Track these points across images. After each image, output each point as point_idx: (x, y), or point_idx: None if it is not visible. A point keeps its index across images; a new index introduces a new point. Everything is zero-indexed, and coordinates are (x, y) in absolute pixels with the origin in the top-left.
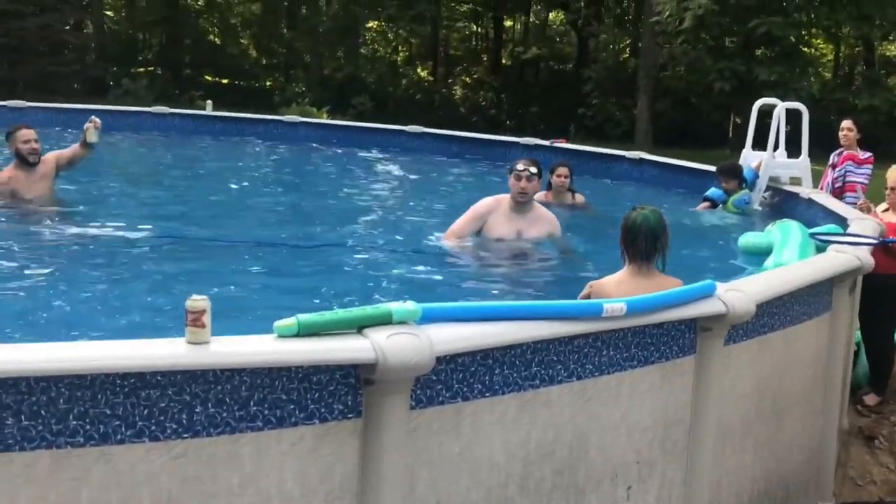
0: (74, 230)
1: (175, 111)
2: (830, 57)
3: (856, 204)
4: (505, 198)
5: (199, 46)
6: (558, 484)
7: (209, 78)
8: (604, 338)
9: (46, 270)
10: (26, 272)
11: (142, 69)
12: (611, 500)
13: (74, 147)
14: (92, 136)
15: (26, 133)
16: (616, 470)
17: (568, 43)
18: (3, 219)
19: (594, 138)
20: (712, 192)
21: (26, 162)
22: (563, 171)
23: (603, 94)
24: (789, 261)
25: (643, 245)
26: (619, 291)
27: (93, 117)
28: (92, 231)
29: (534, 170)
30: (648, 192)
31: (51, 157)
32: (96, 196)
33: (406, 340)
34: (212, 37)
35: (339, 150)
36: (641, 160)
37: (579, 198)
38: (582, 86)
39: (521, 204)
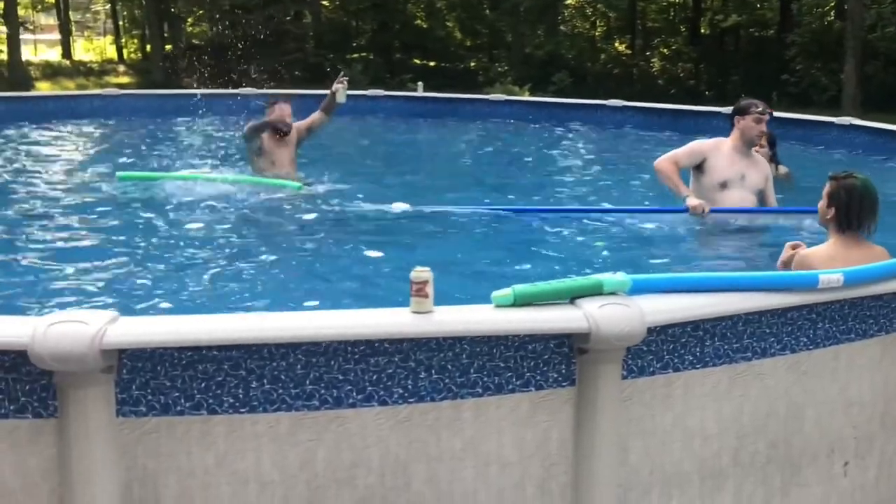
0: (308, 204)
1: (389, 94)
2: None
3: None
4: (724, 141)
5: (408, 31)
6: (772, 457)
7: (418, 61)
8: (819, 310)
9: (285, 243)
10: (261, 246)
11: (356, 55)
12: (827, 476)
13: (313, 116)
14: (342, 97)
15: (283, 107)
16: (833, 445)
17: (769, 8)
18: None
19: (799, 105)
20: None
21: (278, 131)
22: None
23: (807, 60)
24: None
25: (863, 214)
26: (831, 263)
27: (342, 75)
28: (325, 206)
29: (771, 111)
30: (860, 161)
31: (294, 127)
32: (329, 174)
33: (618, 311)
34: (419, 21)
35: (542, 126)
36: (851, 126)
37: (783, 169)
38: (785, 51)
39: (751, 146)
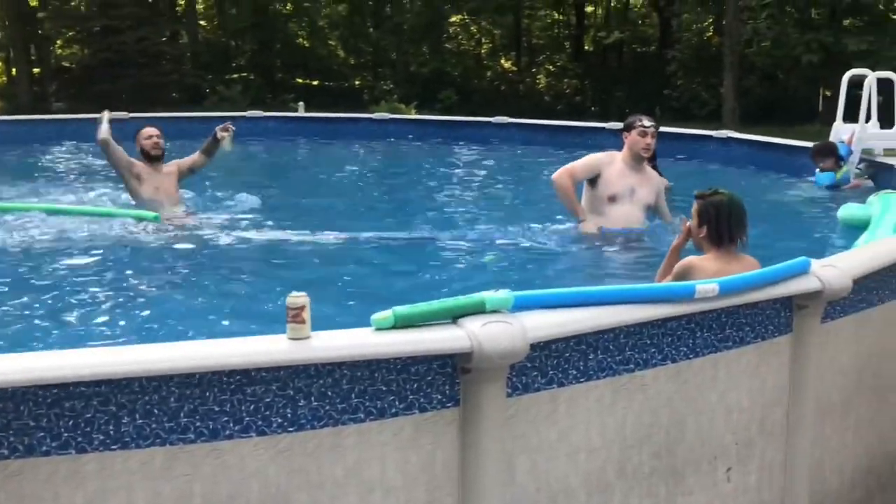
0: (185, 232)
1: (270, 114)
2: None
3: None
4: (617, 155)
5: (289, 50)
6: (656, 467)
7: (300, 80)
8: (697, 319)
9: (155, 273)
10: (134, 276)
11: (235, 75)
12: (710, 482)
13: (194, 156)
14: (228, 145)
15: (149, 130)
16: (714, 452)
17: (650, 24)
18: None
19: (681, 119)
20: (818, 178)
21: (150, 157)
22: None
23: (688, 75)
24: (884, 235)
25: (734, 227)
26: (709, 273)
27: (227, 124)
28: (200, 233)
29: (656, 125)
30: (738, 172)
31: (173, 162)
32: (205, 199)
33: (500, 328)
34: (301, 40)
35: (428, 145)
36: (729, 139)
37: (664, 182)
38: (666, 67)
39: (640, 160)
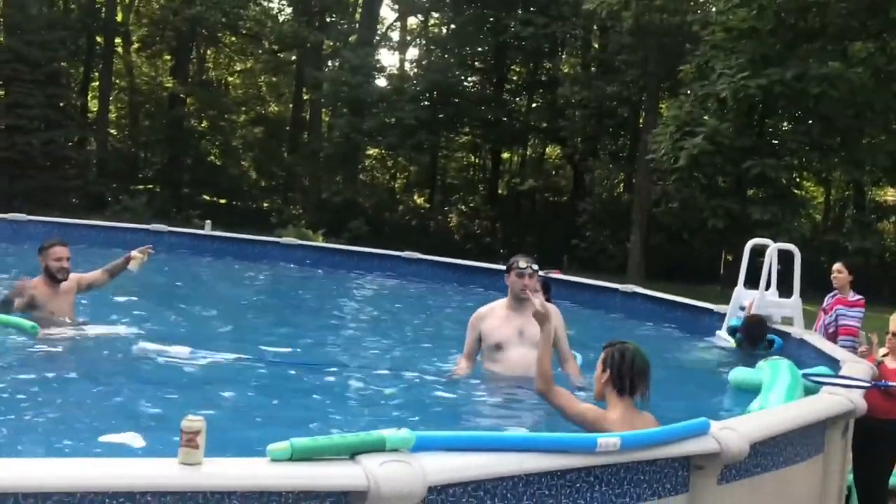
0: (80, 345)
1: (173, 229)
2: (821, 199)
3: (851, 348)
4: (498, 302)
5: (200, 166)
6: None
7: (207, 197)
8: (597, 473)
9: (46, 383)
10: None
11: (141, 186)
12: None
13: (96, 273)
14: (136, 266)
15: (59, 251)
16: None
17: (563, 175)
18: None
19: (588, 269)
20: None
21: (54, 279)
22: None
23: (597, 227)
24: (776, 403)
25: (636, 376)
26: (611, 425)
27: (148, 247)
28: (90, 345)
29: (535, 266)
30: (640, 326)
31: (73, 277)
32: (100, 311)
33: (399, 469)
34: (213, 157)
35: (335, 273)
36: (634, 293)
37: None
38: (577, 217)
39: (521, 301)
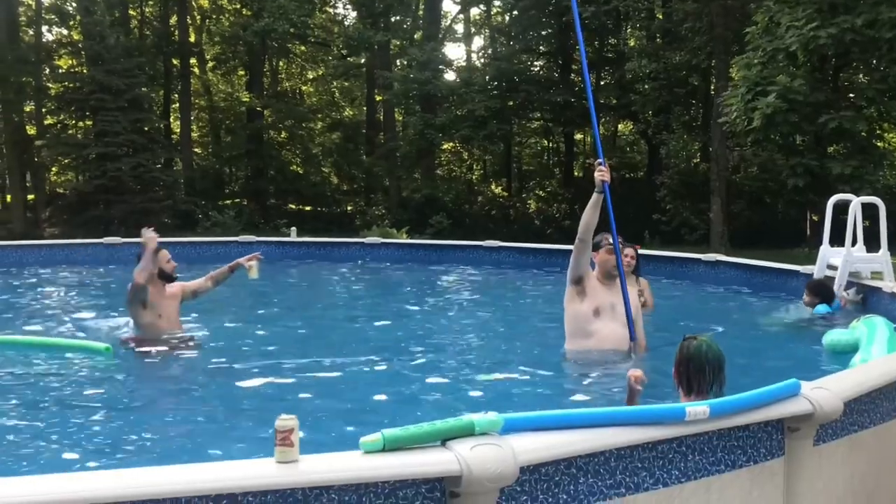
0: (186, 355)
1: (261, 239)
2: None
3: None
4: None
5: (283, 176)
6: None
7: (293, 206)
8: (689, 442)
9: (144, 395)
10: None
11: (228, 201)
12: None
13: (200, 281)
14: (255, 273)
15: (166, 253)
16: None
17: (638, 151)
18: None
19: (671, 244)
20: (817, 310)
21: (169, 279)
22: (630, 251)
23: (676, 200)
24: (878, 357)
25: (695, 378)
26: None
27: (257, 254)
28: (193, 355)
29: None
30: (726, 294)
31: (178, 284)
32: (197, 324)
33: (489, 451)
34: (294, 166)
35: (419, 268)
36: (717, 262)
37: (644, 282)
38: (655, 192)
39: (612, 278)
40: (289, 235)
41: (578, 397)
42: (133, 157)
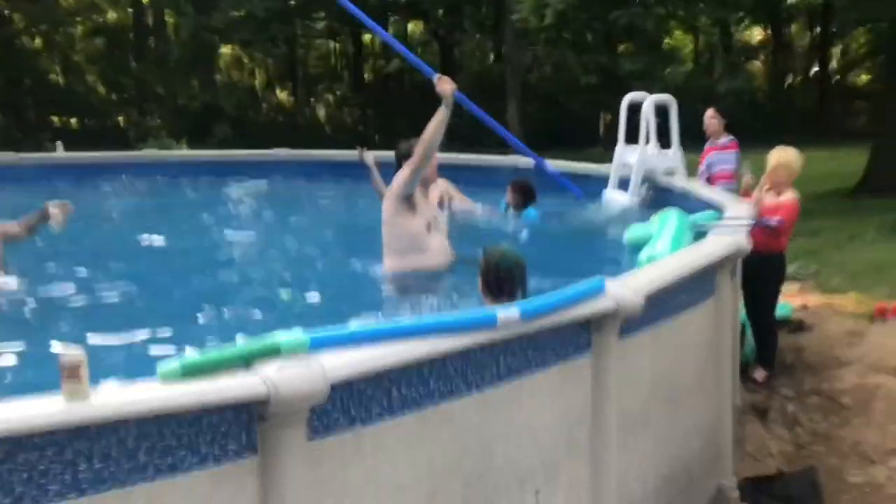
0: None
1: (24, 155)
2: (691, 48)
3: (731, 191)
4: None
5: (42, 87)
6: (468, 496)
7: (56, 119)
8: (500, 347)
9: None
10: None
11: None
12: None
13: (12, 224)
14: (59, 226)
15: None
16: (523, 475)
17: (430, 52)
18: None
19: (470, 146)
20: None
21: None
22: None
23: (472, 101)
24: (662, 251)
25: (505, 283)
26: None
27: (66, 203)
28: None
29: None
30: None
31: None
32: None
33: (297, 371)
34: (55, 76)
35: (205, 181)
36: (515, 168)
37: (443, 182)
38: None
39: (429, 185)
40: (55, 150)
41: (390, 307)
42: None
